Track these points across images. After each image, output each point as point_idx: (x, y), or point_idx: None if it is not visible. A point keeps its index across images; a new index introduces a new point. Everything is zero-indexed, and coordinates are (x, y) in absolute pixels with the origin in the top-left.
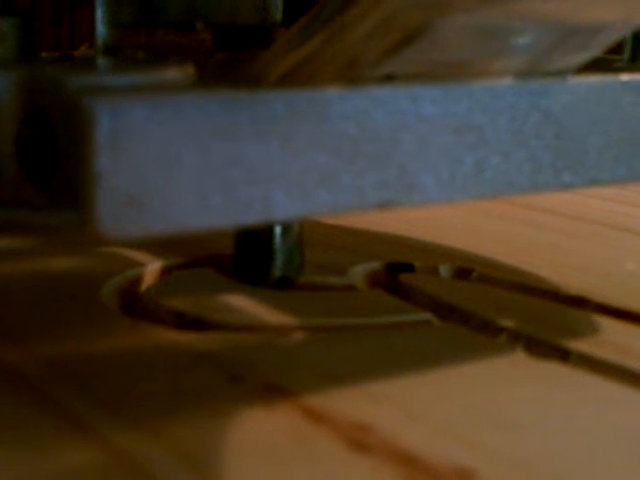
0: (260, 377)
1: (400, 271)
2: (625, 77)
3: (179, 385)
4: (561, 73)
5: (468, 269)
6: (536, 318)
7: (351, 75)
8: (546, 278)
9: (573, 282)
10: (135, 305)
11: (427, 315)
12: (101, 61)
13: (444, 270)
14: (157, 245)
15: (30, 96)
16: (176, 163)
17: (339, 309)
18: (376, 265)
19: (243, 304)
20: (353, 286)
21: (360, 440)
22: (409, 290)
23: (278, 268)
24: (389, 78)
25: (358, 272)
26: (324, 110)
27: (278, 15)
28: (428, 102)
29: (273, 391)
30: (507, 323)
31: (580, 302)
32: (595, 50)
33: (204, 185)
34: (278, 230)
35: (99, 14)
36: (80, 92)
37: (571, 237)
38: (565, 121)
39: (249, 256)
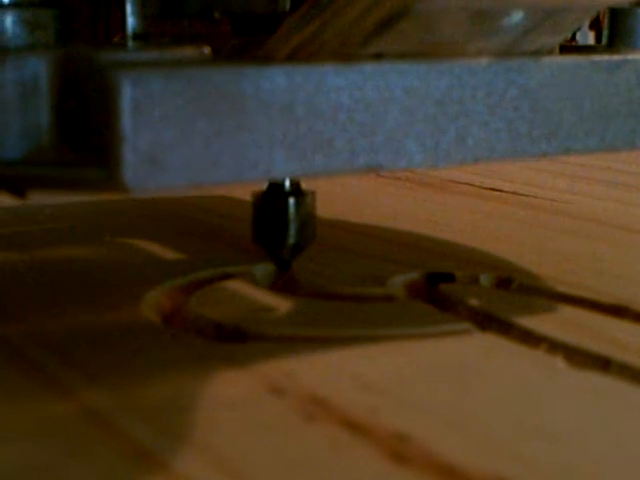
0: (300, 388)
1: (440, 281)
2: (596, 57)
3: (219, 397)
4: (536, 54)
5: (509, 279)
6: (577, 328)
7: (345, 53)
8: (587, 287)
9: (614, 291)
10: (175, 316)
11: (467, 325)
12: (129, 43)
13: (485, 280)
14: (198, 255)
15: (67, 72)
16: (190, 127)
17: (379, 319)
18: (416, 275)
19: (283, 315)
20: (393, 296)
21: (400, 451)
22: (449, 300)
23: (292, 236)
24: (379, 56)
25: (398, 282)
26: (320, 83)
27: (287, 4)
28: (414, 77)
29: (313, 402)
30: (547, 333)
31: (621, 311)
32: (566, 33)
33: (215, 147)
34: (292, 202)
35: (129, 7)
36: (107, 66)
37: (612, 246)
38: (540, 96)
39: (266, 226)
